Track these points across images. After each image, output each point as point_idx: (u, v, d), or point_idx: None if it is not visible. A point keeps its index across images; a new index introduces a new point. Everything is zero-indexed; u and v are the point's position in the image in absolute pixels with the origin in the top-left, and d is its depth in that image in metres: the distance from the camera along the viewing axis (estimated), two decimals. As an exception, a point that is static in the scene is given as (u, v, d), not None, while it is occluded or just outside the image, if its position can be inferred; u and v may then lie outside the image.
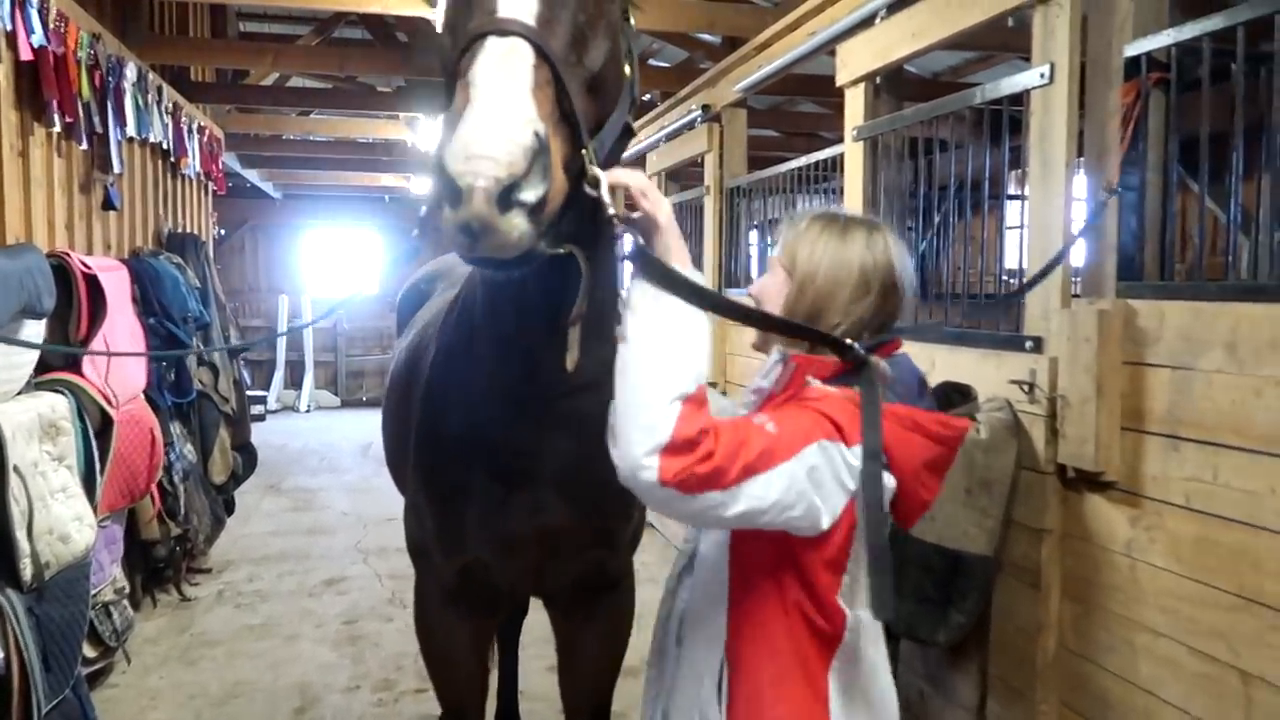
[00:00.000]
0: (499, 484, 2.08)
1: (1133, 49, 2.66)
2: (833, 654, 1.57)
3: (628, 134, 1.79)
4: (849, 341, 1.56)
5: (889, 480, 1.54)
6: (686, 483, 1.35)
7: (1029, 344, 2.85)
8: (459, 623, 2.38)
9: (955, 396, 2.98)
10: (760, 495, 1.41)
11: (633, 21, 1.85)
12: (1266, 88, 2.41)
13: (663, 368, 1.39)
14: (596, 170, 1.45)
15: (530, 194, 1.27)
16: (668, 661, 1.77)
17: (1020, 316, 3.03)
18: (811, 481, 1.45)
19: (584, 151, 1.45)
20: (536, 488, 2.06)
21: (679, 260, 1.48)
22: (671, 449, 1.34)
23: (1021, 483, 2.81)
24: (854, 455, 1.49)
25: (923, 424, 1.55)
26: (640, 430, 1.35)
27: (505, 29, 1.38)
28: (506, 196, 1.25)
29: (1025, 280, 2.86)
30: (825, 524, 1.48)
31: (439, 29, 1.63)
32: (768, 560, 1.55)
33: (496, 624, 2.84)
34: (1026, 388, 2.81)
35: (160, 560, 5.26)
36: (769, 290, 1.70)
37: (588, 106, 1.51)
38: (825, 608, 1.55)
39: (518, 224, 1.28)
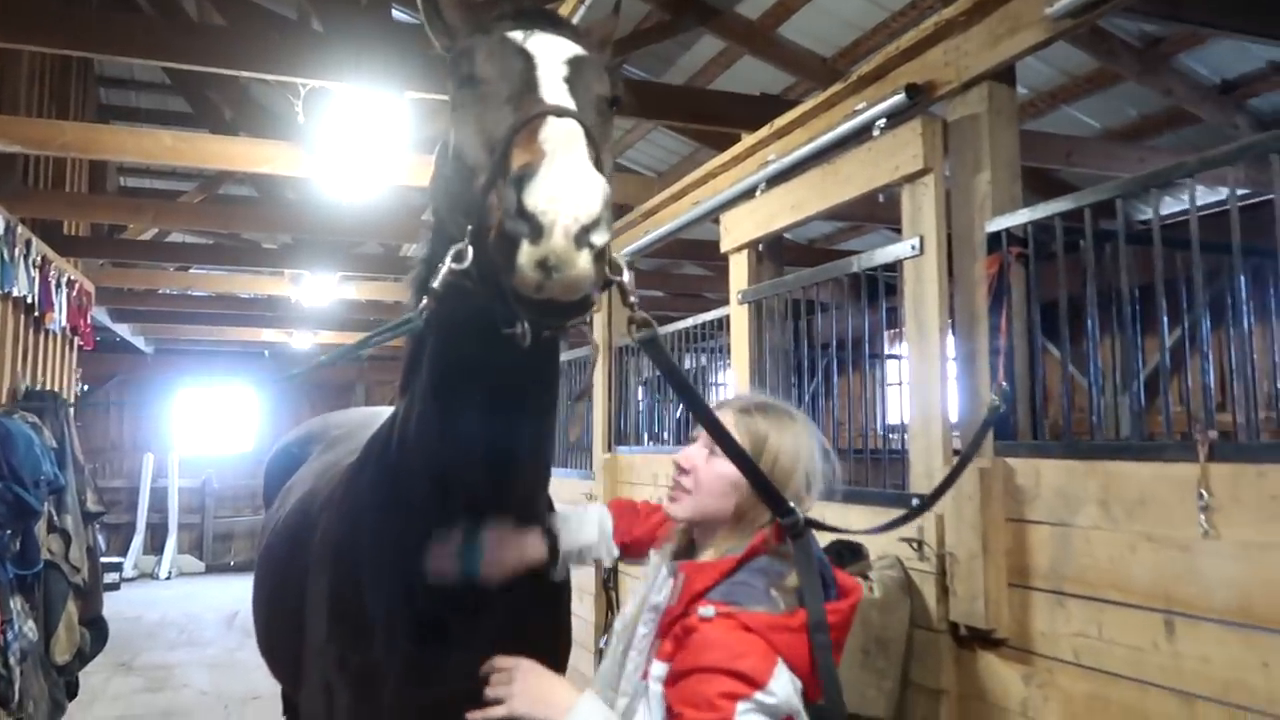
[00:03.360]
0: (432, 647, 1.96)
1: (993, 225, 2.86)
2: None
3: None
4: (792, 505, 1.66)
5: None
6: None
7: (915, 501, 2.91)
8: None
9: (847, 554, 2.98)
10: None
11: None
12: (1113, 260, 2.62)
13: None
14: (619, 257, 1.58)
15: (599, 237, 1.36)
16: None
17: (905, 475, 3.11)
18: None
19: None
20: (476, 644, 1.91)
21: (551, 689, 1.69)
22: None
23: (916, 642, 2.81)
24: (769, 693, 1.50)
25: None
26: None
27: (563, 112, 1.49)
28: (584, 235, 1.34)
29: (928, 494, 2.82)
30: None
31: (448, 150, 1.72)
32: None
33: None
34: (916, 545, 2.85)
35: (-13, 756, 4.69)
36: (697, 462, 1.79)
37: None
38: None
39: (587, 264, 1.36)
